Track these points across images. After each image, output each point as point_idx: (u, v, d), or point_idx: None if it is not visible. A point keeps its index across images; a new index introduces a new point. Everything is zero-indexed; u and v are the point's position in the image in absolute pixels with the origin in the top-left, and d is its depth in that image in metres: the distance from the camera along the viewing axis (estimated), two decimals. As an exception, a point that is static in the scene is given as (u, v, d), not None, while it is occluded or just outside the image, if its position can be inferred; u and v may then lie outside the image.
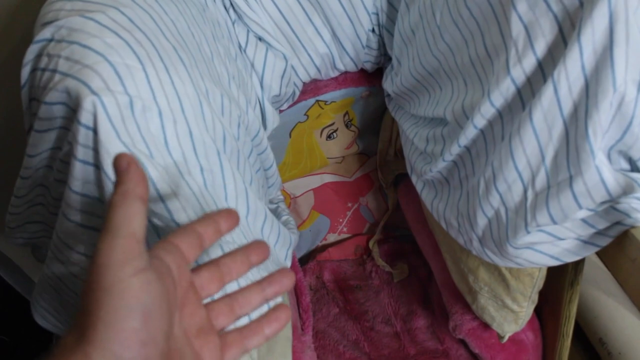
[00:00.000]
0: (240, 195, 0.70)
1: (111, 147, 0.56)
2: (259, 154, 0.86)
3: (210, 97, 0.67)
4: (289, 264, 0.86)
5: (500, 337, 0.94)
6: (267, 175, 0.93)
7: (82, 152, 0.57)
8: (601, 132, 0.57)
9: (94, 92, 0.55)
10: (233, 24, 0.90)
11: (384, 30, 1.00)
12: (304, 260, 1.33)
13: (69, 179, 0.59)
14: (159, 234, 0.60)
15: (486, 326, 0.96)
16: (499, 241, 0.71)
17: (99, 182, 0.58)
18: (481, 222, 0.73)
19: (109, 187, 0.57)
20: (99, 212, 0.60)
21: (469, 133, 0.70)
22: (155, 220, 0.59)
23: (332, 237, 1.36)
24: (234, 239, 0.69)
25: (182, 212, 0.60)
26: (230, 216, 0.52)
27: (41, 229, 0.74)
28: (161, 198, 0.59)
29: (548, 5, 0.58)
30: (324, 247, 1.35)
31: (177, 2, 0.70)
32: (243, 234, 0.71)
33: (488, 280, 0.86)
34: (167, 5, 0.67)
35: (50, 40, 0.59)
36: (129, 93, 0.58)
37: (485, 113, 0.67)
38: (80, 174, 0.58)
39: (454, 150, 0.74)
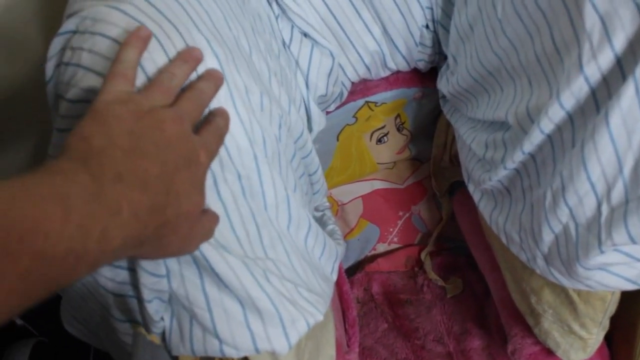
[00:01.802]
0: (281, 203, 0.66)
1: None
2: (302, 157, 0.81)
3: (248, 94, 0.62)
4: (334, 277, 0.81)
5: (565, 365, 0.87)
6: (312, 181, 0.88)
7: None
8: None
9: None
10: (277, 18, 0.86)
11: (439, 26, 0.94)
12: (352, 271, 1.29)
13: None
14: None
15: (549, 352, 0.89)
16: (568, 260, 0.65)
17: None
18: (547, 238, 0.67)
19: None
20: None
21: (535, 138, 0.64)
22: None
23: (381, 247, 1.32)
24: (279, 257, 0.66)
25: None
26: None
27: None
28: None
29: None
30: (373, 258, 1.31)
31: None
32: (285, 247, 0.66)
33: (553, 302, 0.80)
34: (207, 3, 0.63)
35: (75, 32, 0.56)
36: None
37: (553, 116, 0.60)
38: None
39: (517, 157, 0.68)
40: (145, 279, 0.57)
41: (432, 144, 1.22)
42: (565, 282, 0.69)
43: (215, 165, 0.57)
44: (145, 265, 0.56)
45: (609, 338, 0.87)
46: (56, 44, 0.57)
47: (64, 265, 0.38)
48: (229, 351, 0.63)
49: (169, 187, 0.46)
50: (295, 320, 0.66)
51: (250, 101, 0.62)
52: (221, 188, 0.58)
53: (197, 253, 0.57)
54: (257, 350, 0.64)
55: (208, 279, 0.59)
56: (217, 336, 0.62)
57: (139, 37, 0.52)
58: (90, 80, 0.53)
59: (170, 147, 0.47)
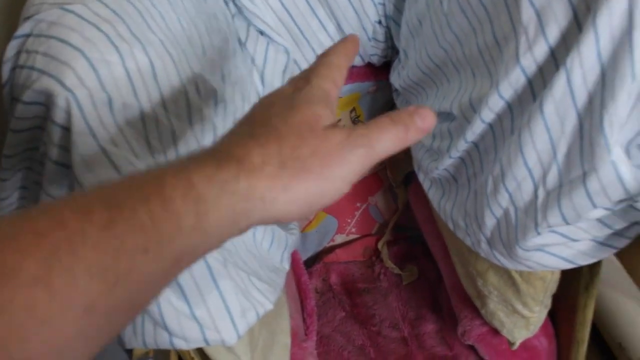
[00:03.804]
0: None
1: (85, 148, 0.53)
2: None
3: (201, 94, 0.64)
4: (286, 266, 0.82)
5: (511, 344, 0.90)
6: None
7: (57, 154, 0.54)
8: (618, 125, 0.53)
9: (67, 89, 0.53)
10: (233, 17, 0.87)
11: (391, 21, 0.96)
12: (311, 263, 1.30)
13: (43, 182, 0.55)
14: None
15: (496, 332, 0.92)
16: (508, 243, 0.68)
17: (71, 186, 0.54)
18: (489, 222, 0.69)
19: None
20: None
21: (477, 127, 0.67)
22: None
23: (340, 238, 1.32)
24: (229, 247, 0.66)
25: None
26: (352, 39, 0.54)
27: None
28: None
29: None
30: (331, 249, 1.32)
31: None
32: (233, 240, 0.67)
33: (497, 284, 0.82)
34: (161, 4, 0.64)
35: (29, 35, 0.57)
36: (107, 90, 0.55)
37: (493, 106, 0.63)
38: (54, 176, 0.55)
39: (461, 146, 0.71)
40: None
41: (386, 137, 1.23)
42: (507, 263, 0.71)
43: (162, 161, 0.58)
44: None
45: (552, 316, 0.90)
46: (12, 47, 0.58)
47: (150, 209, 0.36)
48: (179, 343, 0.62)
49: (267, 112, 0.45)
50: (245, 311, 0.66)
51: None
52: None
53: None
54: (206, 342, 0.63)
55: None
56: (166, 329, 0.61)
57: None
58: (44, 83, 0.54)
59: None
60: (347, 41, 0.53)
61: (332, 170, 0.42)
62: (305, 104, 0.45)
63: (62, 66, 0.53)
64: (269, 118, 0.44)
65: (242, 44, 0.88)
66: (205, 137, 0.64)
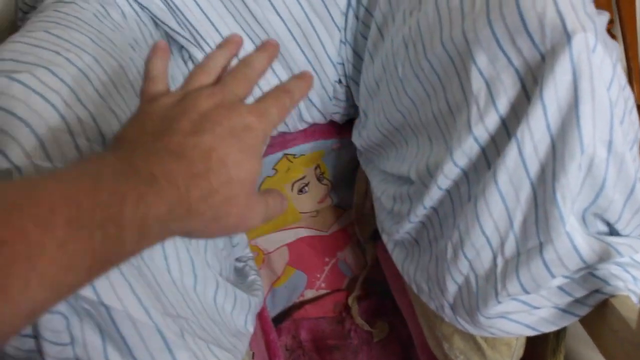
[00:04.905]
0: (184, 266, 0.65)
1: None
2: (219, 214, 0.81)
3: None
4: (251, 329, 0.80)
5: (481, 407, 0.88)
6: (230, 235, 0.88)
7: None
8: (571, 197, 0.53)
9: (14, 165, 0.50)
10: (185, 63, 0.87)
11: (351, 81, 0.96)
12: (280, 319, 1.27)
13: None
14: (93, 318, 0.55)
15: (466, 395, 0.89)
16: (470, 310, 0.67)
17: None
18: (451, 288, 0.68)
19: None
20: None
21: (434, 194, 0.66)
22: (84, 305, 0.54)
23: (310, 294, 1.31)
24: (187, 316, 0.64)
25: (110, 289, 0.55)
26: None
27: None
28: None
29: (509, 59, 0.54)
30: (301, 304, 1.29)
31: (121, 60, 0.66)
32: (190, 307, 0.65)
33: (464, 348, 0.81)
34: (108, 65, 0.63)
35: None
36: (56, 165, 0.53)
37: (449, 173, 0.63)
38: None
39: (420, 211, 0.70)
40: (48, 348, 0.55)
41: (353, 192, 1.23)
42: (471, 329, 0.70)
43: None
44: (47, 335, 0.54)
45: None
46: None
47: (105, 234, 0.37)
48: None
49: (209, 155, 0.44)
50: None
51: None
52: None
53: (105, 315, 0.55)
54: None
55: (111, 344, 0.57)
56: None
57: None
58: None
59: (207, 119, 0.46)
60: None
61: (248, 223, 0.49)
62: (245, 159, 0.47)
63: (7, 138, 0.51)
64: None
65: None
66: None
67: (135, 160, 0.41)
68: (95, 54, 0.62)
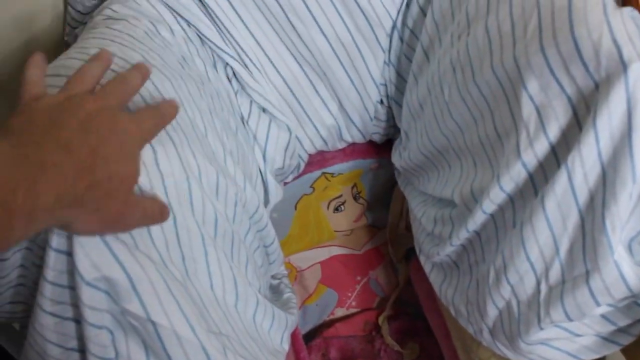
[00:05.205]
0: (227, 283, 0.66)
1: (86, 240, 0.52)
2: (258, 230, 0.82)
3: (202, 176, 0.64)
4: (286, 347, 0.81)
5: None
6: (268, 252, 0.88)
7: (57, 241, 0.53)
8: (620, 225, 0.53)
9: None
10: (236, 94, 0.88)
11: (393, 102, 0.97)
12: (310, 337, 1.27)
13: (44, 267, 0.55)
14: (139, 333, 0.56)
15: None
16: (511, 335, 0.66)
17: (70, 270, 0.53)
18: (492, 313, 0.68)
19: (79, 279, 0.52)
20: (73, 302, 0.55)
21: (478, 218, 0.66)
22: (132, 321, 0.55)
23: (340, 312, 1.30)
24: (229, 333, 0.64)
25: (159, 306, 0.55)
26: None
27: (23, 310, 0.70)
28: (137, 294, 0.54)
29: (561, 87, 0.54)
30: (331, 322, 1.29)
31: (172, 78, 0.67)
32: (232, 325, 0.66)
33: (501, 373, 0.80)
34: (159, 81, 0.64)
35: None
36: None
37: (494, 198, 0.63)
38: (54, 263, 0.54)
39: (462, 234, 0.70)
40: None
41: (388, 212, 1.23)
42: (510, 355, 0.70)
43: (161, 245, 0.58)
44: (94, 349, 0.55)
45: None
46: None
47: None
48: None
49: (94, 151, 0.46)
50: None
51: (204, 183, 0.64)
52: (168, 265, 0.58)
53: (152, 331, 0.55)
54: None
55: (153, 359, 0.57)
56: None
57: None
58: None
59: (91, 119, 0.48)
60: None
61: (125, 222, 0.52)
62: (125, 159, 0.50)
63: None
64: None
65: (244, 120, 0.88)
66: (206, 221, 0.64)
67: (26, 149, 0.43)
68: None
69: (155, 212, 0.55)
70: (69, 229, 0.48)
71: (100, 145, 0.47)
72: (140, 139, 0.52)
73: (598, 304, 0.57)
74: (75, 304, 0.55)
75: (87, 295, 0.53)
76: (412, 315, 1.27)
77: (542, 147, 0.57)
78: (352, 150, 1.08)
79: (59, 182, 0.43)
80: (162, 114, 0.56)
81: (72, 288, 0.55)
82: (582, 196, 0.54)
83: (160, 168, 0.58)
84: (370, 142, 1.08)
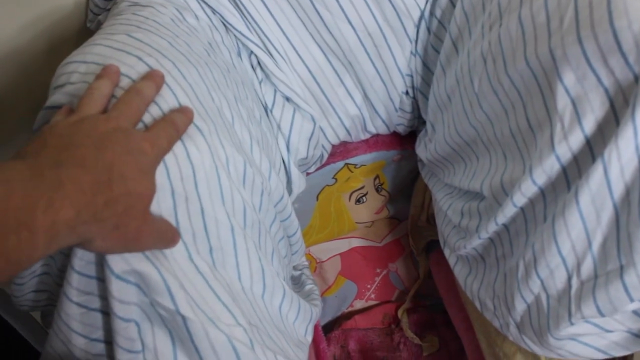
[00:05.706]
0: (255, 274, 0.65)
1: None
2: (282, 220, 0.81)
3: (230, 166, 0.63)
4: (309, 338, 0.80)
5: None
6: (291, 242, 0.88)
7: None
8: None
9: None
10: (260, 83, 0.87)
11: (419, 93, 0.96)
12: (329, 328, 1.27)
13: (71, 256, 0.55)
14: (167, 324, 0.56)
15: (521, 414, 0.88)
16: (539, 330, 0.65)
17: (99, 262, 0.53)
18: (520, 307, 0.67)
19: (109, 272, 0.52)
20: (100, 293, 0.55)
21: (508, 211, 0.65)
22: (161, 311, 0.55)
23: (359, 304, 1.30)
24: (257, 325, 0.64)
25: (187, 299, 0.55)
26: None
27: (47, 298, 0.70)
28: (167, 287, 0.54)
29: (598, 79, 0.53)
30: (350, 314, 1.29)
31: (198, 65, 0.67)
32: (259, 315, 0.65)
33: (525, 368, 0.79)
34: (186, 69, 0.64)
35: (61, 107, 0.57)
36: None
37: (526, 191, 0.62)
38: (82, 253, 0.54)
39: (491, 228, 0.69)
40: (120, 355, 0.55)
41: (409, 204, 1.22)
42: (537, 350, 0.69)
43: (188, 237, 0.57)
44: (122, 342, 0.55)
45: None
46: (42, 117, 0.60)
47: (19, 238, 0.39)
48: None
49: (111, 167, 0.47)
50: None
51: (232, 172, 0.63)
52: (194, 258, 0.58)
53: (180, 323, 0.55)
54: None
55: (182, 352, 0.57)
56: None
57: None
58: None
59: (106, 139, 0.48)
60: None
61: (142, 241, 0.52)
62: (142, 177, 0.51)
63: None
64: None
65: (268, 110, 0.88)
66: (235, 211, 0.63)
67: (42, 167, 0.43)
68: (173, 59, 0.63)
69: (168, 234, 0.55)
70: (90, 247, 0.48)
71: (115, 162, 0.47)
72: (155, 157, 0.53)
73: (632, 300, 0.56)
74: (103, 295, 0.55)
75: (117, 289, 0.53)
76: (431, 308, 1.27)
77: (577, 140, 0.56)
78: (375, 142, 1.08)
79: (78, 197, 0.43)
80: (177, 127, 0.56)
81: (100, 279, 0.55)
82: (618, 190, 0.53)
83: (192, 159, 0.58)
84: (394, 134, 1.08)
